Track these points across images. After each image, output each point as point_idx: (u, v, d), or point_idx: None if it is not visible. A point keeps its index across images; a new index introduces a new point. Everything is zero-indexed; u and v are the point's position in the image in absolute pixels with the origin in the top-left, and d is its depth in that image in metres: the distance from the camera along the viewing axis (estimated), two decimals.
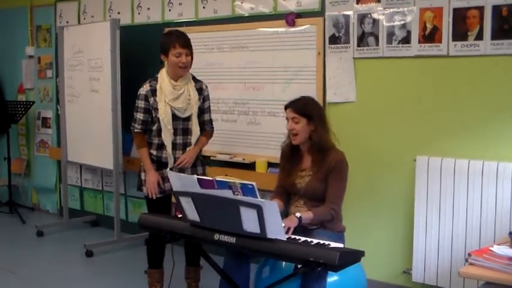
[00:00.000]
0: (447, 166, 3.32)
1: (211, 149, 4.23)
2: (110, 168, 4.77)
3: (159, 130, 3.42)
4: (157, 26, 4.67)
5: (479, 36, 3.22)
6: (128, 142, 4.65)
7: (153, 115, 3.43)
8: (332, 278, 2.74)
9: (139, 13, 4.92)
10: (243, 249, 2.69)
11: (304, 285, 2.67)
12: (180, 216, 2.82)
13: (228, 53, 4.29)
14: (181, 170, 3.40)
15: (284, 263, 2.80)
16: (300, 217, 2.90)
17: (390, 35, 3.54)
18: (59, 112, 5.56)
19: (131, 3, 4.97)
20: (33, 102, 5.83)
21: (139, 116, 3.45)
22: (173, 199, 3.39)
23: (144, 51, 4.64)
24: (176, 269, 3.02)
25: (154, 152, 3.47)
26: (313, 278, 2.63)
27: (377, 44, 3.60)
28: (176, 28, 3.72)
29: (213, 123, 3.68)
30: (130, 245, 4.86)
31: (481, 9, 3.20)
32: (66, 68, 5.23)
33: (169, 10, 4.69)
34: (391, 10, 3.53)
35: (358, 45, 3.68)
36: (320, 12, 3.82)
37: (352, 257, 2.50)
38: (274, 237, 2.48)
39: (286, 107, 3.14)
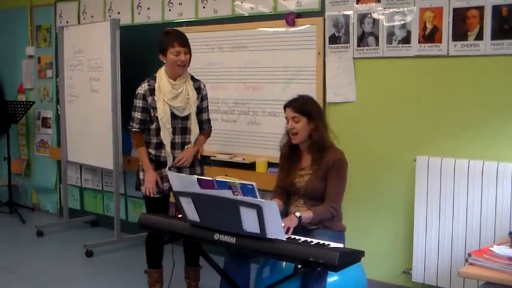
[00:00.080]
0: (447, 166, 3.32)
1: (211, 149, 4.23)
2: (110, 168, 4.77)
3: (158, 129, 3.42)
4: (157, 26, 4.66)
5: (479, 36, 3.22)
6: (128, 142, 4.65)
7: (152, 114, 3.43)
8: (332, 278, 2.74)
9: (139, 13, 4.92)
10: (243, 249, 2.69)
11: (304, 285, 2.67)
12: (180, 216, 2.82)
13: (228, 53, 4.28)
14: (180, 170, 3.40)
15: (284, 263, 2.79)
16: (300, 217, 2.90)
17: (390, 35, 3.54)
18: (59, 112, 5.56)
19: (131, 3, 4.97)
20: (33, 102, 5.83)
21: (138, 115, 3.45)
22: (172, 199, 3.39)
23: (144, 51, 4.62)
24: (176, 268, 3.02)
25: (152, 151, 3.47)
26: (313, 278, 2.63)
27: (377, 44, 3.60)
28: (176, 28, 3.72)
29: (212, 122, 3.67)
30: (130, 245, 4.86)
31: (481, 9, 3.20)
32: (66, 68, 5.23)
33: (169, 10, 4.69)
34: (391, 10, 3.52)
35: (358, 45, 3.68)
36: (320, 12, 3.82)
37: (352, 257, 2.50)
38: (274, 237, 2.48)
39: (285, 107, 3.14)
